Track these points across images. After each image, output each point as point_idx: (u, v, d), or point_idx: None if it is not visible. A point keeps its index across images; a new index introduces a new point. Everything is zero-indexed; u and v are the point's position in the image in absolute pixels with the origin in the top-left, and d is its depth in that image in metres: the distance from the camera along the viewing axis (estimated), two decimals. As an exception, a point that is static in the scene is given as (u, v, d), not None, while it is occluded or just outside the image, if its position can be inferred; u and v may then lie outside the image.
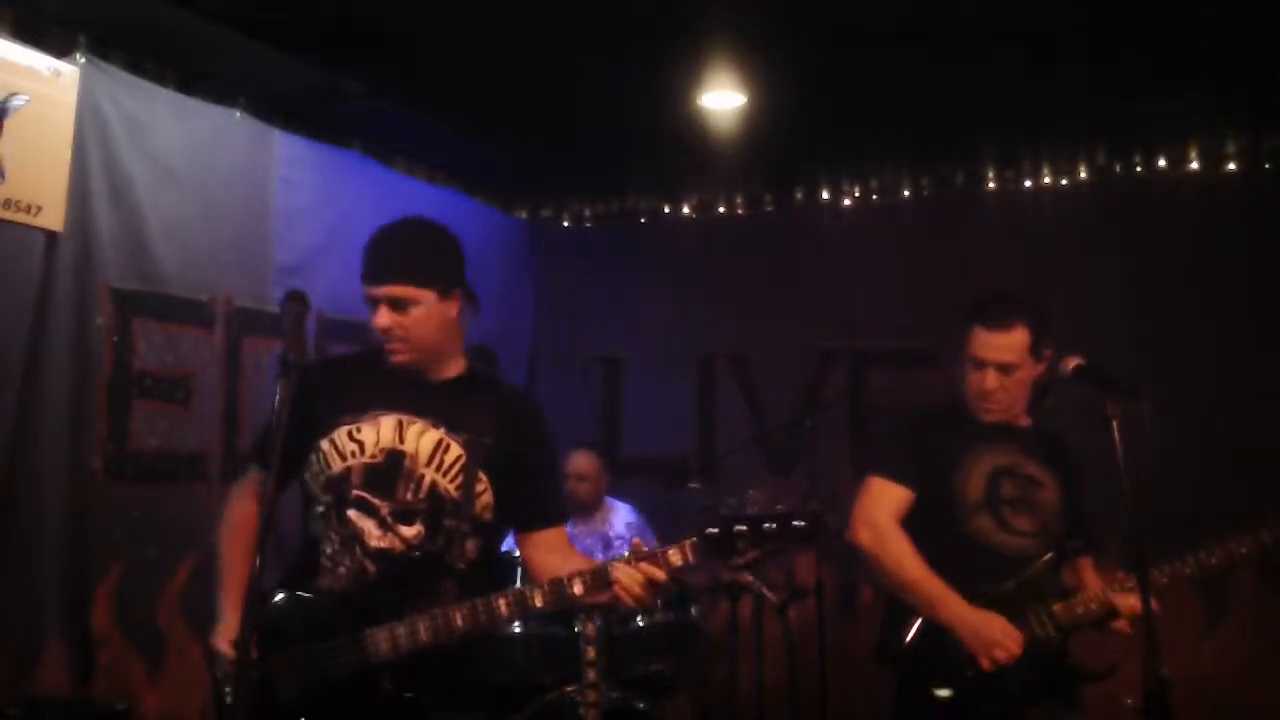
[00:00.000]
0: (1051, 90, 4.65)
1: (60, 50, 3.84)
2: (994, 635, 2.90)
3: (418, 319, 2.59)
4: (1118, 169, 5.39)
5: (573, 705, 3.82)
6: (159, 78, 4.25)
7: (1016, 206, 5.54)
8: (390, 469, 2.55)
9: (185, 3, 3.82)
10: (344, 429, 2.59)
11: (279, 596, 2.56)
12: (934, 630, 2.98)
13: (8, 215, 3.62)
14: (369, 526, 2.54)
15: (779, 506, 2.30)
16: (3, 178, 3.60)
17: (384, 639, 2.43)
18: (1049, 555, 3.04)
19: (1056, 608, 2.98)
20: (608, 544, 4.81)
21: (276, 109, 4.70)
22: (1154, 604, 2.76)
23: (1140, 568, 2.70)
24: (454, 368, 2.71)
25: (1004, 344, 3.05)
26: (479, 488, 2.57)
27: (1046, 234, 5.37)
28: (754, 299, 5.86)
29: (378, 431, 2.58)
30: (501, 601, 2.42)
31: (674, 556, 2.35)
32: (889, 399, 5.50)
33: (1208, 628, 4.87)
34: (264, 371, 4.41)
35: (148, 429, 4.07)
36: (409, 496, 2.55)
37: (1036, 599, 2.99)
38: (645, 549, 2.38)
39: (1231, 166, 5.20)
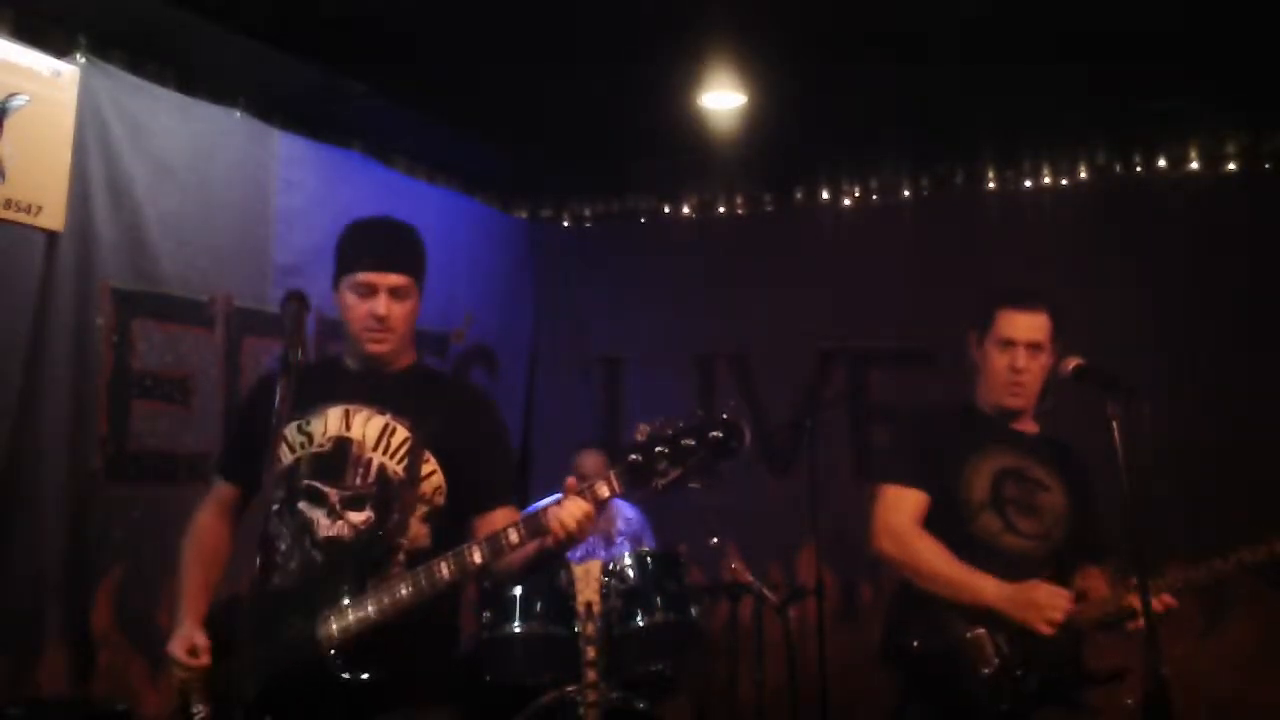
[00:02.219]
0: (1051, 90, 4.65)
1: (60, 50, 3.84)
2: (1042, 599, 2.88)
3: (409, 310, 2.64)
4: (1118, 169, 5.39)
5: (573, 705, 3.82)
6: (159, 78, 4.26)
7: (1016, 206, 5.54)
8: (338, 456, 2.57)
9: (185, 3, 3.82)
10: (293, 424, 2.60)
11: (233, 602, 2.57)
12: (943, 631, 2.97)
13: (8, 215, 3.62)
14: (318, 516, 2.55)
15: (694, 421, 2.31)
16: (3, 178, 3.60)
17: (336, 625, 2.42)
18: (1049, 571, 3.03)
19: (1073, 610, 2.96)
20: (610, 540, 4.82)
21: (276, 109, 4.70)
22: (1171, 600, 2.80)
23: (1140, 567, 2.70)
24: (402, 360, 2.72)
25: (1033, 324, 3.09)
26: (426, 468, 2.58)
27: (1046, 234, 5.37)
28: (754, 299, 5.86)
29: (325, 422, 2.61)
30: (442, 565, 2.41)
31: (601, 489, 2.36)
32: (889, 399, 5.51)
33: (1208, 628, 4.87)
34: (264, 371, 4.41)
35: (148, 429, 4.07)
36: (358, 481, 2.56)
37: None
38: (576, 488, 2.38)
39: (1231, 166, 5.20)
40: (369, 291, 2.59)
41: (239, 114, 4.54)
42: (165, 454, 4.11)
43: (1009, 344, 3.09)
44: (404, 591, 2.41)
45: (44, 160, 3.72)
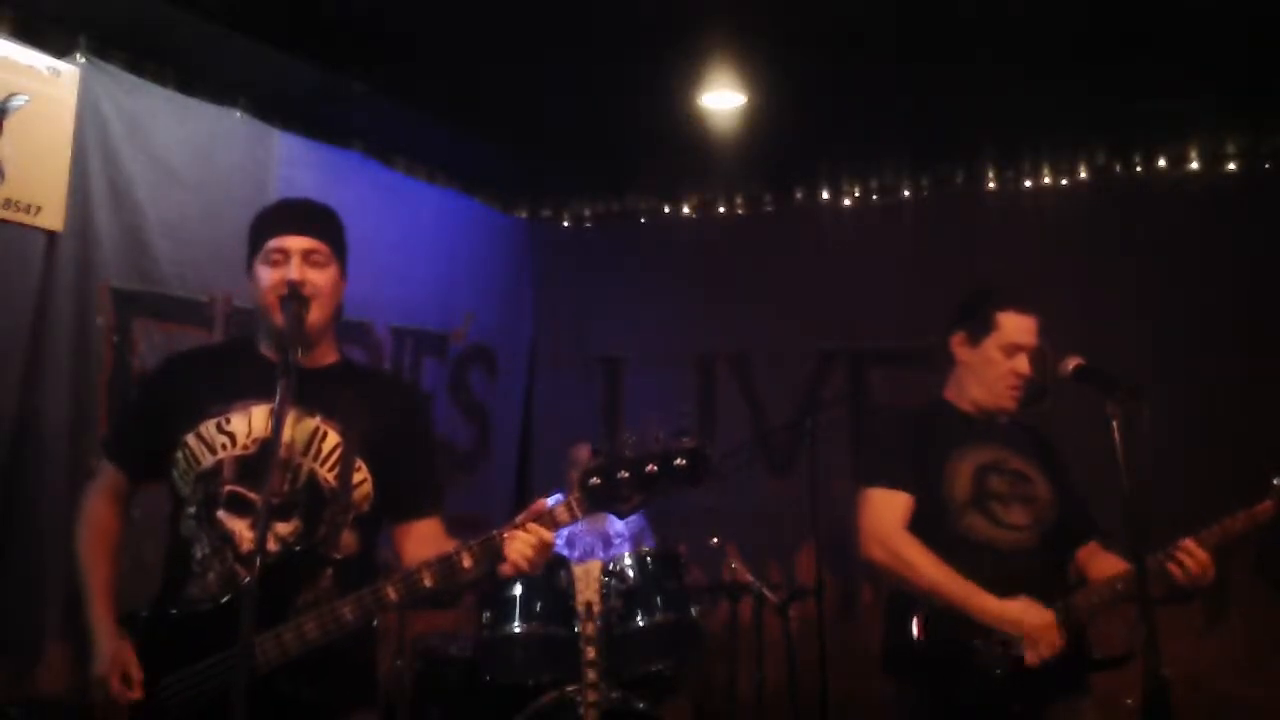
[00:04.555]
0: (1051, 90, 4.65)
1: (60, 50, 3.84)
2: (1035, 625, 2.87)
3: (329, 282, 2.48)
4: (1118, 169, 5.40)
5: (573, 705, 3.82)
6: (159, 78, 4.26)
7: (1016, 206, 5.55)
8: (265, 460, 2.36)
9: (185, 3, 3.82)
10: (212, 421, 2.44)
11: (148, 614, 2.42)
12: (946, 628, 2.96)
13: (8, 215, 3.63)
14: (240, 529, 2.40)
15: (656, 446, 2.22)
16: (3, 178, 3.60)
17: (270, 644, 2.25)
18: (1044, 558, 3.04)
19: (1077, 598, 2.97)
20: (608, 542, 4.82)
21: (276, 109, 4.70)
22: (1204, 557, 2.86)
23: (1139, 566, 2.70)
24: (328, 355, 2.56)
25: (1033, 328, 3.10)
26: (358, 477, 2.44)
27: (1046, 234, 5.37)
28: (754, 299, 5.86)
29: (249, 421, 2.44)
30: (390, 588, 2.28)
31: (561, 514, 2.26)
32: (889, 399, 5.51)
33: (1207, 627, 4.87)
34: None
35: (148, 429, 4.07)
36: (285, 488, 2.40)
37: (1056, 595, 2.97)
38: (534, 513, 2.27)
39: (1231, 166, 5.20)
40: (282, 258, 2.44)
41: (239, 114, 4.55)
42: (165, 454, 4.10)
43: (1018, 349, 3.09)
44: (349, 614, 2.28)
45: (44, 160, 3.72)
